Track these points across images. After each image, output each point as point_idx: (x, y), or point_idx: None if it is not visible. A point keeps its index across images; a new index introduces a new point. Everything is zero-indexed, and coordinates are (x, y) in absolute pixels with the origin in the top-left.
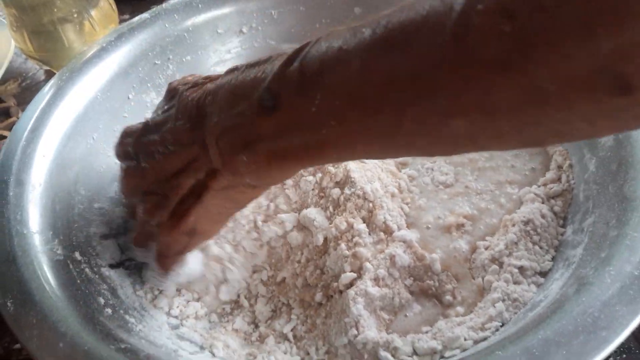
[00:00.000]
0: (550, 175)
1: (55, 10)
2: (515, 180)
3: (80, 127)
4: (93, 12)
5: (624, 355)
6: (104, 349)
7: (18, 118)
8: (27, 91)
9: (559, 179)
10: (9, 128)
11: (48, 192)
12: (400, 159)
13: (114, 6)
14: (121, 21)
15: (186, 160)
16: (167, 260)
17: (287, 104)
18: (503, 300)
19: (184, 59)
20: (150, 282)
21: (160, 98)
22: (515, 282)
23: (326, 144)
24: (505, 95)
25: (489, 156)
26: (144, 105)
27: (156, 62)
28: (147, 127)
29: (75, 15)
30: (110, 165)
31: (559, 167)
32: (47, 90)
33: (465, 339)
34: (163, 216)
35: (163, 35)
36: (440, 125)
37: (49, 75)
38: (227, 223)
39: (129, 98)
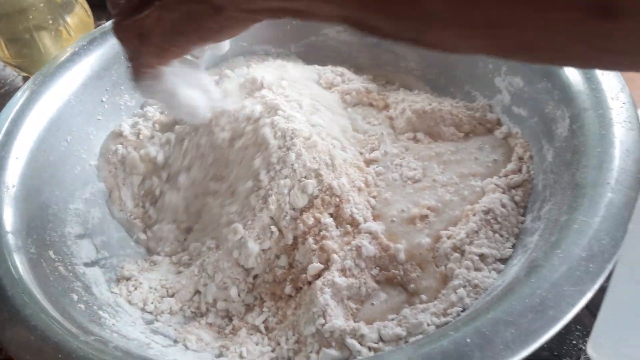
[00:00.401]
0: (511, 166)
1: (31, 17)
2: (479, 172)
3: (54, 130)
4: (68, 19)
5: (579, 327)
6: (74, 341)
7: None
8: (6, 97)
9: (519, 170)
10: None
11: (22, 193)
12: (370, 156)
13: (90, 12)
14: (97, 27)
15: None
16: (131, 69)
17: None
18: (464, 287)
19: None
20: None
21: (134, 101)
22: (476, 269)
23: None
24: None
25: (455, 150)
26: (118, 108)
27: (129, 65)
28: None
29: (51, 22)
30: (84, 167)
31: (520, 159)
32: (21, 94)
33: (428, 325)
34: (123, 7)
35: None
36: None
37: (27, 81)
38: (178, 55)
39: (102, 101)
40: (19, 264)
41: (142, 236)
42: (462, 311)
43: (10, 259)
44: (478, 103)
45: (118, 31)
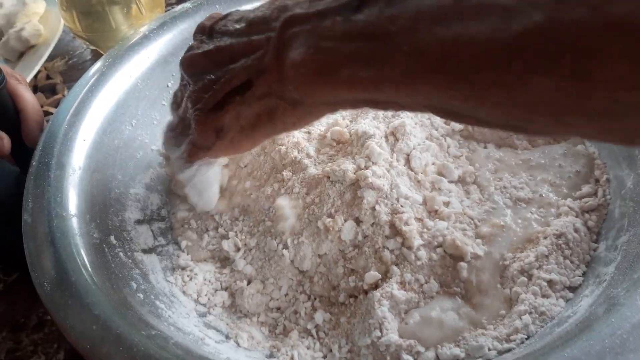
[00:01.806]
0: (586, 188)
1: None
2: (559, 183)
3: (120, 113)
4: None
5: None
6: (136, 334)
7: (64, 95)
8: (73, 69)
9: (595, 193)
10: (55, 105)
11: (87, 175)
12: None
13: None
14: (167, 6)
15: (249, 49)
16: (194, 152)
17: (369, 12)
18: (530, 313)
19: None
20: (170, 168)
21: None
22: (544, 296)
23: (387, 68)
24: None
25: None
26: None
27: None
28: (232, 15)
29: None
30: (147, 152)
31: (596, 181)
32: (91, 75)
33: (489, 349)
34: (206, 102)
35: None
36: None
37: (95, 54)
38: (248, 149)
39: (167, 86)
40: (83, 248)
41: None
42: (526, 338)
43: (74, 243)
44: None
45: (200, 124)
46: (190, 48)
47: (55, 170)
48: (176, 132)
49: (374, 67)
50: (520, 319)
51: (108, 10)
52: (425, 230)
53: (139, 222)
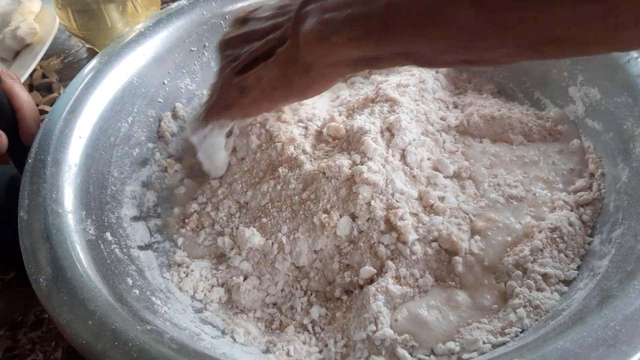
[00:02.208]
0: (581, 182)
1: None
2: (552, 180)
3: (116, 111)
4: None
5: None
6: (131, 329)
7: (60, 94)
8: (69, 68)
9: (589, 187)
10: (51, 103)
11: (83, 172)
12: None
13: None
14: (163, 3)
15: (274, 29)
16: (214, 112)
17: None
18: (524, 307)
19: None
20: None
21: (195, 85)
22: (538, 289)
23: (370, 24)
24: None
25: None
26: (179, 91)
27: (192, 48)
28: (261, 7)
29: None
30: (142, 149)
31: (591, 175)
32: (86, 73)
33: (484, 342)
34: (235, 67)
35: (200, 22)
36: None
37: (91, 52)
38: (267, 109)
39: (164, 84)
40: (78, 244)
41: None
42: (520, 332)
43: (69, 239)
44: (549, 112)
45: (227, 82)
46: (227, 33)
47: (51, 167)
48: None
49: (361, 25)
50: (515, 312)
51: (103, 8)
52: (420, 225)
53: (135, 218)
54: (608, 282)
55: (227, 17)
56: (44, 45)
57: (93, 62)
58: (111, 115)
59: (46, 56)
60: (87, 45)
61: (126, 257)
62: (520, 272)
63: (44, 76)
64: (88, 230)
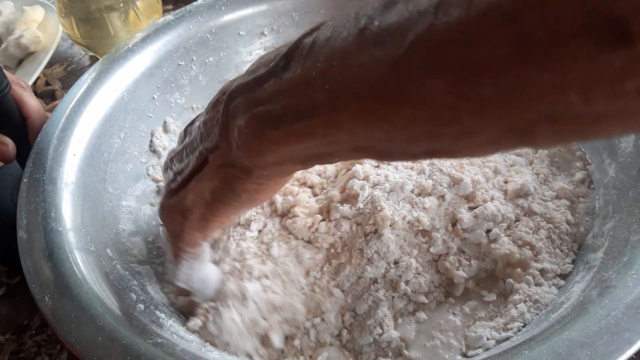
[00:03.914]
0: (566, 181)
1: None
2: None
3: (107, 127)
4: (138, 2)
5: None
6: (142, 343)
7: None
8: (72, 75)
9: (582, 182)
10: None
11: (79, 190)
12: None
13: None
14: (165, 11)
15: (205, 134)
16: (174, 247)
17: (294, 66)
18: (525, 302)
19: (207, 60)
20: (168, 275)
21: (184, 99)
22: (537, 284)
23: (315, 113)
24: (491, 50)
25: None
26: (168, 106)
27: (180, 63)
28: (199, 114)
29: (122, 5)
30: (136, 164)
31: (580, 171)
32: (76, 90)
33: (487, 339)
34: (170, 190)
35: (187, 36)
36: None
37: (94, 60)
38: (219, 225)
39: (153, 98)
40: (81, 262)
41: None
42: (522, 326)
43: (72, 257)
44: None
45: (165, 209)
46: (170, 152)
47: (47, 186)
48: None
49: (303, 116)
50: (516, 307)
51: (106, 17)
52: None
53: (133, 234)
54: (605, 273)
55: (213, 30)
56: (47, 54)
57: (82, 79)
58: (104, 132)
59: (49, 64)
60: (90, 53)
61: (127, 272)
62: (520, 270)
63: (47, 84)
64: (89, 247)
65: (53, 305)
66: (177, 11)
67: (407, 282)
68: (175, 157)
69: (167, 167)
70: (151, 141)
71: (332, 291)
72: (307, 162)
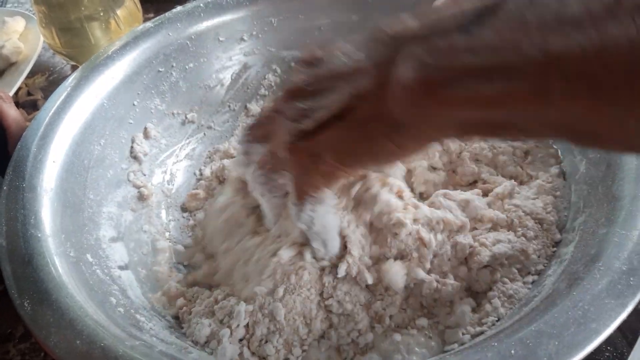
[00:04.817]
0: (544, 176)
1: (83, 8)
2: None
3: (88, 134)
4: (119, 11)
5: (609, 348)
6: (120, 345)
7: None
8: (53, 85)
9: (557, 176)
10: None
11: (59, 196)
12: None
13: (139, 5)
14: (145, 20)
15: (352, 73)
16: (298, 187)
17: (494, 22)
18: (499, 297)
19: (186, 66)
20: (291, 215)
21: (165, 105)
22: (511, 280)
23: (516, 81)
24: None
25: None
26: (149, 112)
27: (160, 69)
28: (337, 44)
29: (102, 14)
30: (117, 170)
31: (552, 167)
32: (56, 98)
33: (463, 334)
34: (302, 130)
35: (167, 43)
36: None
37: (75, 70)
38: (347, 176)
39: (134, 105)
40: (60, 267)
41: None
42: (496, 320)
43: (51, 262)
44: None
45: (294, 151)
46: (294, 78)
47: (27, 193)
48: (266, 169)
49: (499, 80)
50: (490, 303)
51: (87, 26)
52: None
53: (114, 239)
54: (574, 266)
55: (192, 37)
56: (28, 64)
57: (61, 87)
58: (83, 139)
59: (31, 74)
60: (72, 63)
61: (107, 277)
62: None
63: (29, 94)
64: (68, 252)
65: (32, 310)
66: (156, 18)
67: (390, 317)
68: (306, 86)
69: (287, 98)
70: (132, 147)
71: None
72: (471, 130)
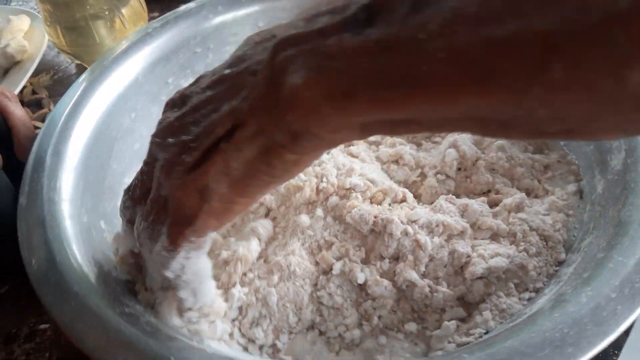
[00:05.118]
0: (560, 192)
1: (88, 7)
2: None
3: (120, 106)
4: (124, 10)
5: None
6: (109, 311)
7: (50, 110)
8: (58, 84)
9: (574, 194)
10: (42, 119)
11: (83, 163)
12: None
13: (144, 4)
14: (150, 19)
15: (232, 92)
16: (176, 231)
17: (383, 23)
18: (491, 310)
19: (222, 49)
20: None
21: None
22: (507, 295)
23: (419, 81)
24: None
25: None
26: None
27: (197, 50)
28: (202, 74)
29: (107, 13)
30: (144, 145)
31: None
32: (95, 69)
33: (449, 342)
34: (184, 163)
35: (205, 25)
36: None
37: (80, 69)
38: (242, 209)
39: (167, 82)
40: (70, 231)
41: None
42: (485, 333)
43: (62, 225)
44: None
45: (179, 189)
46: (162, 121)
47: (51, 157)
48: (150, 220)
49: (401, 83)
50: (481, 314)
51: (92, 25)
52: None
53: None
54: (566, 287)
55: (231, 21)
56: (33, 62)
57: (98, 61)
58: (115, 111)
59: (36, 73)
60: (76, 61)
61: None
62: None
63: (33, 92)
64: (82, 217)
65: (37, 269)
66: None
67: (379, 317)
68: (178, 121)
69: (160, 142)
70: None
71: None
72: (374, 129)
